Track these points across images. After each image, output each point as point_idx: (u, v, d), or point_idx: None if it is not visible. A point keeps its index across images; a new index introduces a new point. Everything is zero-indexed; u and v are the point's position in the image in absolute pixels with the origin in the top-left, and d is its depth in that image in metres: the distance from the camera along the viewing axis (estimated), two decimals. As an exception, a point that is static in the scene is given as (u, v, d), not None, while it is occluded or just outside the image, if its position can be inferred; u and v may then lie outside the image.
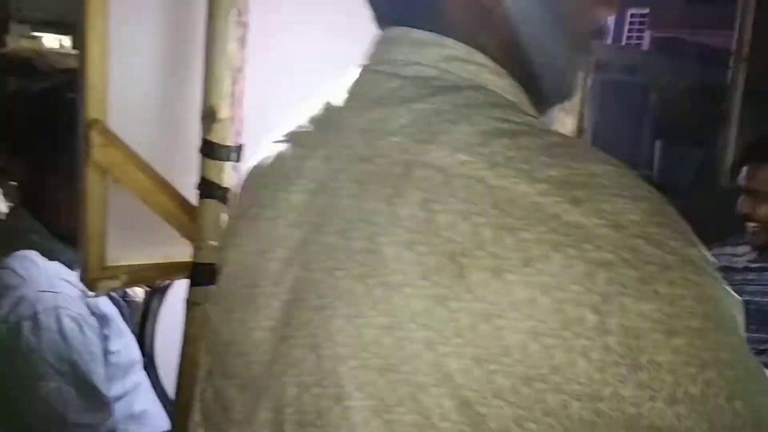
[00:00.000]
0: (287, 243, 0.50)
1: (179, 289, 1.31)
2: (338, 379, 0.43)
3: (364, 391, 0.42)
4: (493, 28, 0.49)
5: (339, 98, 0.53)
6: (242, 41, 0.88)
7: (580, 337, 0.37)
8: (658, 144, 2.57)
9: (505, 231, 0.39)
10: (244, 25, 0.87)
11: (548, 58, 0.51)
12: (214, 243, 0.90)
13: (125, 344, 1.21)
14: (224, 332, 0.54)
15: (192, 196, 0.92)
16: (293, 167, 0.52)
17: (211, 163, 0.89)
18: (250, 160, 0.62)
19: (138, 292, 1.45)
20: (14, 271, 1.11)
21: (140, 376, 1.25)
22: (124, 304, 1.30)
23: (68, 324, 1.07)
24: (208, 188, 0.90)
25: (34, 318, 1.05)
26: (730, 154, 2.48)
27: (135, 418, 1.20)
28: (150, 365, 1.33)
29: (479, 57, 0.48)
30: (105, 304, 1.18)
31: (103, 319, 1.15)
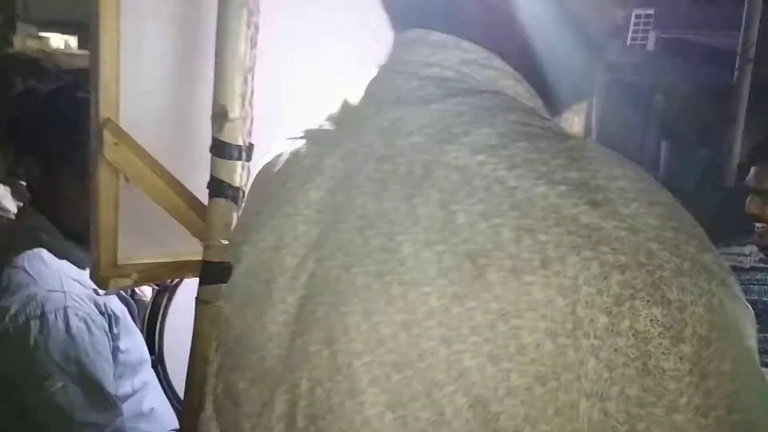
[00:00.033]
0: (304, 239, 0.50)
1: (188, 287, 1.32)
2: (352, 374, 0.44)
3: (378, 386, 0.43)
4: (510, 30, 0.49)
5: (357, 98, 0.53)
6: (253, 41, 0.88)
7: (591, 337, 0.38)
8: (664, 144, 2.56)
9: (524, 232, 0.40)
10: (254, 26, 0.88)
11: (565, 59, 0.51)
12: (224, 242, 0.90)
13: (134, 343, 1.22)
14: (237, 326, 0.54)
15: (202, 195, 0.92)
16: (311, 165, 0.52)
17: (222, 162, 0.90)
18: (262, 157, 0.63)
19: (146, 291, 1.45)
20: (24, 271, 1.12)
21: (149, 374, 1.26)
22: (133, 302, 1.31)
23: (76, 323, 1.08)
24: (219, 187, 0.90)
25: (42, 317, 1.06)
26: (736, 155, 2.47)
27: (144, 416, 1.20)
28: (159, 363, 1.33)
29: (497, 62, 0.49)
30: (114, 303, 1.19)
31: (112, 318, 1.16)
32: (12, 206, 1.59)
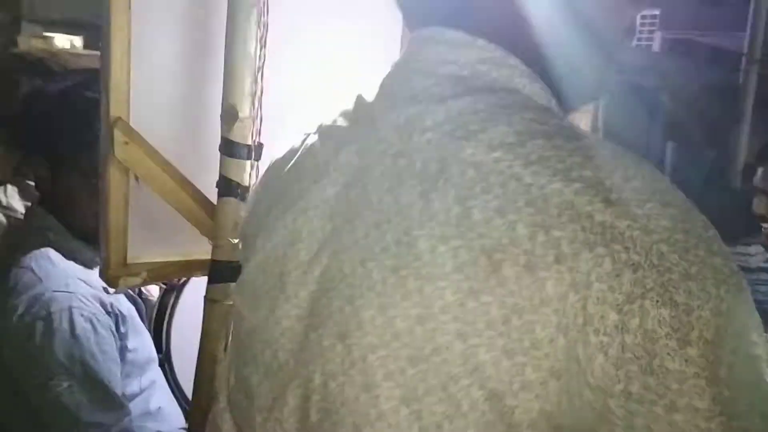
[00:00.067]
0: (318, 234, 0.51)
1: (195, 286, 1.32)
2: (367, 368, 0.44)
3: (393, 380, 0.43)
4: (524, 30, 0.49)
5: (372, 95, 0.54)
6: (263, 41, 0.89)
7: (600, 333, 0.39)
8: (669, 145, 2.56)
9: (539, 228, 0.40)
10: (264, 26, 0.88)
11: (577, 59, 0.51)
12: (233, 241, 0.91)
13: (142, 342, 1.22)
14: (250, 320, 0.55)
15: (212, 194, 0.93)
16: (326, 161, 0.53)
17: (231, 161, 0.90)
18: (271, 156, 0.63)
19: (153, 291, 1.46)
20: (31, 271, 1.12)
21: (156, 373, 1.26)
22: (140, 301, 1.31)
23: (81, 324, 1.08)
24: (228, 186, 0.91)
25: (48, 318, 1.06)
26: (742, 156, 2.47)
27: (151, 415, 1.21)
28: (166, 362, 1.34)
29: (513, 60, 0.49)
30: (122, 303, 1.19)
31: (119, 317, 1.16)
32: (20, 206, 1.60)
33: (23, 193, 1.61)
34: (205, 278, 0.96)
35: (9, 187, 1.63)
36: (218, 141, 0.90)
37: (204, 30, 0.91)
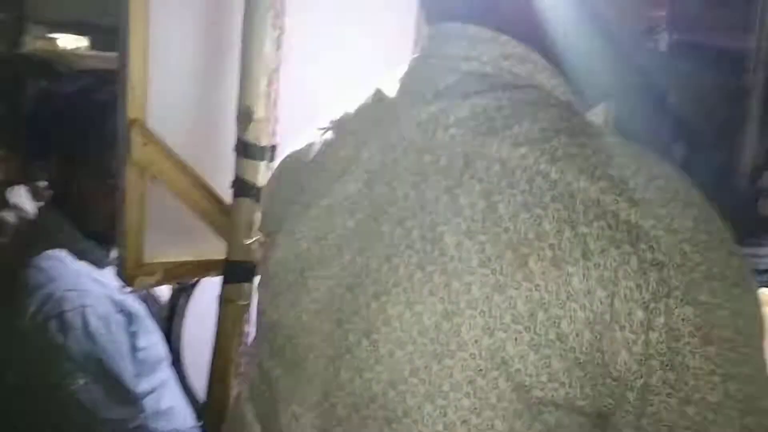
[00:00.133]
0: (339, 230, 0.51)
1: (206, 286, 1.32)
2: (394, 363, 0.44)
3: (417, 376, 0.44)
4: (543, 27, 0.49)
5: (392, 90, 0.54)
6: (278, 42, 0.89)
7: (626, 330, 0.40)
8: (676, 146, 2.56)
9: (565, 223, 0.41)
10: (280, 27, 0.89)
11: (595, 56, 0.52)
12: (247, 241, 0.91)
13: (153, 341, 1.23)
14: (272, 315, 0.55)
15: (227, 194, 0.93)
16: (347, 157, 0.53)
17: (246, 162, 0.91)
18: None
19: (163, 290, 1.46)
20: (43, 271, 1.12)
21: (167, 372, 1.26)
22: (151, 301, 1.32)
23: (94, 322, 1.09)
24: (243, 187, 0.91)
25: (61, 317, 1.07)
26: (749, 157, 2.47)
27: (162, 414, 1.21)
28: (177, 362, 1.34)
29: (535, 56, 0.49)
30: (133, 302, 1.19)
31: (131, 317, 1.17)
32: (30, 206, 1.60)
33: (33, 194, 1.62)
34: (216, 278, 0.96)
35: (18, 187, 1.64)
36: (233, 142, 0.91)
37: (220, 32, 0.92)
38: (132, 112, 0.87)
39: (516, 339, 0.41)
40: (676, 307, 0.39)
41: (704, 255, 0.40)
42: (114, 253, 1.22)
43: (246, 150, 0.90)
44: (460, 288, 0.42)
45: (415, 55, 0.55)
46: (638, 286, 0.39)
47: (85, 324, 1.07)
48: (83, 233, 1.20)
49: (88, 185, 1.20)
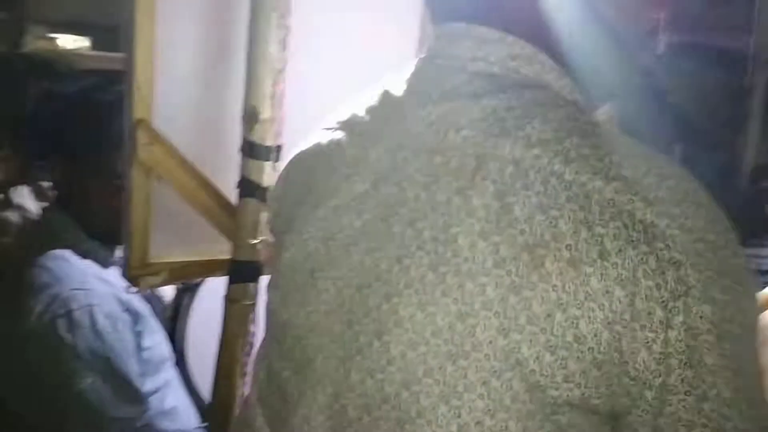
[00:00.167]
0: (347, 230, 0.51)
1: (210, 286, 1.33)
2: (407, 364, 0.44)
3: (432, 377, 0.44)
4: (549, 27, 0.50)
5: (399, 90, 0.54)
6: (284, 43, 0.89)
7: (647, 329, 0.40)
8: (677, 147, 2.57)
9: (581, 224, 0.41)
10: (285, 27, 0.89)
11: (598, 60, 0.52)
12: (253, 241, 0.92)
13: (157, 341, 1.23)
14: (282, 316, 0.55)
15: (232, 194, 0.93)
16: (355, 157, 0.53)
17: (252, 162, 0.91)
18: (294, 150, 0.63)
19: (166, 290, 1.46)
20: (49, 270, 1.13)
21: (171, 372, 1.26)
22: (155, 301, 1.32)
23: (102, 321, 1.09)
24: (248, 187, 0.91)
25: (69, 315, 1.07)
26: (750, 157, 2.48)
27: (166, 413, 1.21)
28: (181, 362, 1.34)
29: (542, 56, 0.50)
30: (137, 302, 1.19)
31: (136, 316, 1.17)
32: (33, 206, 1.60)
33: (36, 194, 1.62)
34: (220, 278, 0.97)
35: (21, 187, 1.63)
36: (239, 142, 0.91)
37: (226, 32, 0.92)
38: (138, 112, 0.87)
39: (531, 340, 0.41)
40: (694, 306, 0.40)
41: (715, 253, 0.41)
42: (118, 253, 1.22)
43: (252, 150, 0.90)
44: (475, 289, 0.42)
45: (422, 56, 0.55)
46: (657, 285, 0.40)
47: (93, 323, 1.08)
48: (87, 233, 1.20)
49: (91, 185, 1.20)
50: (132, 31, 0.85)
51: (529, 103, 0.47)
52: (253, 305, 0.93)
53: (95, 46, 3.11)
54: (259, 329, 0.93)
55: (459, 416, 0.43)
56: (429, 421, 0.44)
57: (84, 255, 1.17)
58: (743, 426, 0.41)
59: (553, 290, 0.41)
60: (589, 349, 0.40)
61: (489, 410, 0.42)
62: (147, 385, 1.17)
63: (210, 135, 0.94)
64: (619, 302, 0.40)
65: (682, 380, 0.40)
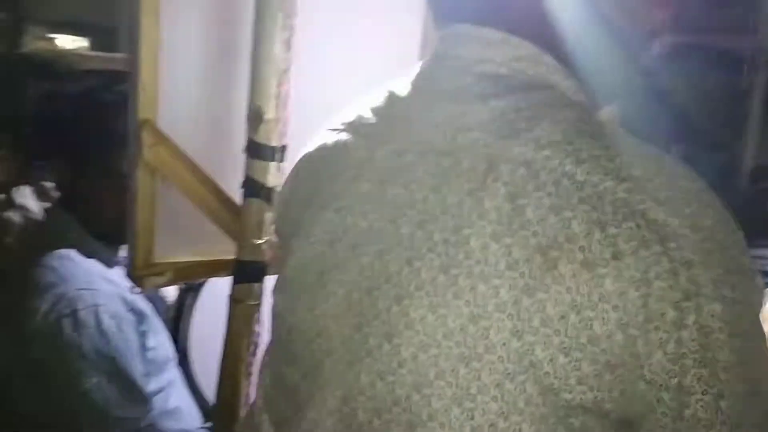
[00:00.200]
0: (354, 232, 0.51)
1: (213, 286, 1.33)
2: (418, 367, 0.44)
3: (444, 379, 0.44)
4: (553, 28, 0.50)
5: (405, 92, 0.54)
6: (288, 43, 0.89)
7: (660, 330, 0.40)
8: (676, 148, 2.57)
9: (594, 225, 0.41)
10: (290, 28, 0.89)
11: (602, 60, 0.52)
12: (257, 241, 0.92)
13: (161, 341, 1.23)
14: (289, 319, 0.55)
15: (237, 195, 0.94)
16: (361, 158, 0.53)
17: (256, 163, 0.91)
18: (296, 158, 0.63)
19: (169, 290, 1.47)
20: (54, 270, 1.13)
21: (174, 372, 1.27)
22: (158, 301, 1.32)
23: (107, 321, 1.09)
24: (253, 187, 0.91)
25: (74, 315, 1.07)
26: (750, 158, 2.49)
27: (169, 413, 1.21)
28: (183, 362, 1.34)
29: (547, 58, 0.50)
30: (142, 302, 1.20)
31: (140, 316, 1.17)
32: (35, 206, 1.61)
33: (38, 194, 1.62)
34: (223, 278, 0.97)
35: (24, 187, 1.64)
36: (244, 142, 0.91)
37: (231, 33, 0.92)
38: (143, 112, 0.87)
39: (545, 342, 0.41)
40: (706, 305, 0.40)
41: (724, 252, 0.41)
42: (122, 253, 1.22)
43: (256, 150, 0.90)
44: (487, 291, 0.42)
45: (427, 57, 0.55)
46: (670, 286, 0.40)
47: (98, 323, 1.08)
48: (92, 233, 1.20)
49: (95, 185, 1.20)
50: (137, 31, 0.85)
51: (538, 104, 0.47)
52: (258, 305, 0.94)
53: (93, 46, 3.12)
54: (264, 329, 0.93)
55: (472, 418, 0.43)
56: (441, 424, 0.44)
57: (88, 255, 1.18)
58: (759, 420, 0.41)
59: (567, 292, 0.41)
60: (602, 350, 0.40)
61: (502, 413, 0.42)
62: (151, 385, 1.17)
63: (215, 135, 0.95)
64: (633, 304, 0.40)
65: (698, 379, 0.40)
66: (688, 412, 0.40)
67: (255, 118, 0.90)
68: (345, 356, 0.49)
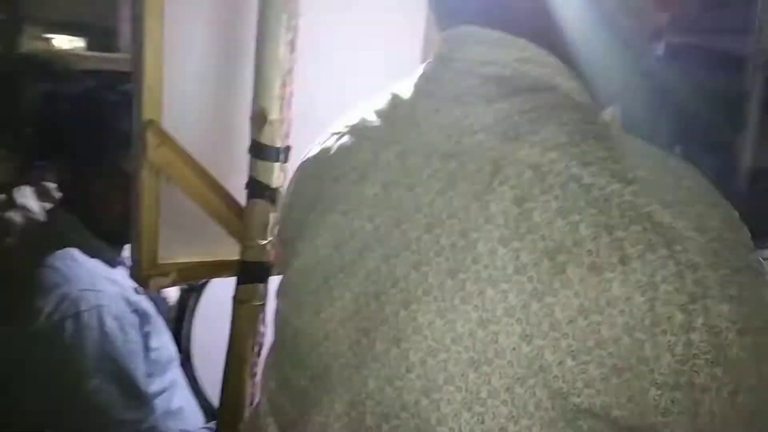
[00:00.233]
0: (360, 236, 0.50)
1: (215, 287, 1.33)
2: (427, 371, 0.44)
3: (453, 384, 0.43)
4: (557, 29, 0.49)
5: (409, 94, 0.53)
6: (292, 44, 0.90)
7: (668, 333, 0.40)
8: (676, 149, 2.58)
9: (602, 229, 0.41)
10: (294, 29, 0.89)
11: (605, 62, 0.52)
12: (261, 242, 0.92)
13: (165, 341, 1.23)
14: (294, 323, 0.55)
15: (241, 195, 0.94)
16: (365, 161, 0.52)
17: (260, 163, 0.91)
18: (300, 159, 0.63)
19: (170, 291, 1.46)
20: (57, 270, 1.13)
21: (177, 373, 1.27)
22: (160, 301, 1.32)
23: (110, 323, 1.09)
24: (257, 188, 0.91)
25: (77, 316, 1.07)
26: (748, 160, 2.49)
27: (172, 414, 1.21)
28: (186, 362, 1.34)
29: (551, 59, 0.49)
30: (145, 302, 1.20)
31: (144, 317, 1.17)
32: (36, 206, 1.60)
33: (39, 194, 1.62)
34: (226, 279, 0.97)
35: (25, 187, 1.63)
36: (248, 143, 0.91)
37: (234, 33, 0.92)
38: (148, 113, 0.87)
39: (554, 346, 0.41)
40: (713, 306, 0.40)
41: (731, 251, 0.41)
42: (125, 253, 1.22)
43: (260, 151, 0.91)
44: (496, 296, 0.42)
45: (430, 59, 0.54)
46: (677, 289, 0.40)
47: (101, 324, 1.08)
48: (94, 233, 1.20)
49: (97, 185, 1.20)
50: (141, 32, 0.85)
51: (543, 106, 0.47)
52: (263, 305, 0.94)
53: (90, 46, 3.11)
54: (269, 330, 0.93)
55: (482, 422, 0.43)
56: (451, 429, 0.43)
57: (91, 254, 1.18)
58: None
59: (575, 296, 0.41)
60: (609, 354, 0.40)
61: (512, 417, 0.42)
62: (154, 386, 1.17)
63: (219, 136, 0.95)
64: (639, 308, 0.40)
65: (712, 378, 0.40)
66: (703, 409, 0.41)
67: (259, 119, 0.90)
68: (352, 360, 0.49)
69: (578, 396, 0.41)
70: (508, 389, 0.42)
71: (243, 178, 0.92)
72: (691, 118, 2.45)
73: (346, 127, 0.57)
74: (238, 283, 0.93)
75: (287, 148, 0.92)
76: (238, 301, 0.93)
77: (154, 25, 0.85)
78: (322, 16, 0.94)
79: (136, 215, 0.90)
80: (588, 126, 0.46)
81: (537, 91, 0.48)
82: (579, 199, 0.42)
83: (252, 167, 0.91)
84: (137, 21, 0.86)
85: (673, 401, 0.41)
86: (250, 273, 0.93)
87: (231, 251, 0.95)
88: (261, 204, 0.92)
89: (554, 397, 0.41)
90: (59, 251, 1.15)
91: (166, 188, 0.91)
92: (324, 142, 0.59)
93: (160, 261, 0.92)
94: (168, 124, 0.89)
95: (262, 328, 0.94)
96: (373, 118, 0.55)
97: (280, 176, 0.92)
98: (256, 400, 0.63)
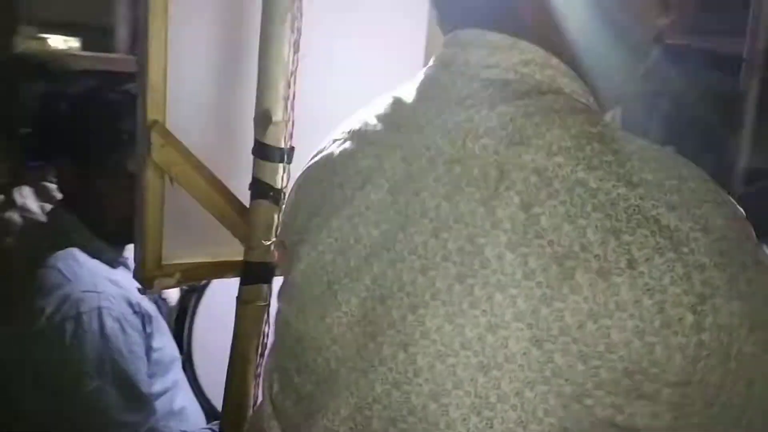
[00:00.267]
0: (365, 241, 0.50)
1: (216, 288, 1.33)
2: (435, 376, 0.44)
3: (462, 388, 0.44)
4: (561, 32, 0.50)
5: (411, 98, 0.53)
6: (296, 46, 0.90)
7: (679, 335, 0.40)
8: (673, 149, 2.59)
9: (609, 233, 0.41)
10: (298, 30, 0.89)
11: (608, 64, 0.52)
12: (265, 243, 0.92)
13: (166, 342, 1.23)
14: (298, 328, 0.55)
15: (245, 196, 0.94)
16: (370, 166, 0.52)
17: (265, 164, 0.91)
18: (303, 159, 0.63)
19: (171, 292, 1.46)
20: (58, 271, 1.13)
21: (179, 373, 1.27)
22: (161, 302, 1.32)
23: (110, 324, 1.09)
24: (261, 189, 0.91)
25: (78, 318, 1.07)
26: (743, 161, 2.51)
27: (174, 414, 1.21)
28: (187, 363, 1.34)
29: (555, 61, 0.50)
30: (147, 303, 1.20)
31: (146, 317, 1.17)
32: (35, 207, 1.60)
33: (39, 195, 1.62)
34: (227, 280, 0.97)
35: (25, 188, 1.63)
36: (251, 144, 0.91)
37: (239, 34, 0.93)
38: (152, 113, 0.87)
39: (564, 350, 0.41)
40: (723, 305, 0.40)
41: (738, 248, 0.42)
42: (126, 253, 1.22)
43: (264, 152, 0.91)
44: (504, 301, 0.42)
45: (432, 63, 0.54)
46: (685, 291, 0.40)
47: (101, 326, 1.08)
48: (95, 233, 1.20)
49: (99, 185, 1.20)
50: (145, 33, 0.85)
51: (547, 110, 0.47)
52: (267, 306, 0.94)
53: (85, 46, 3.10)
54: (272, 331, 0.93)
55: (491, 427, 0.43)
56: None
57: (92, 255, 1.18)
58: None
59: (584, 301, 0.41)
60: (620, 357, 0.41)
61: (521, 421, 0.42)
62: (157, 386, 1.18)
63: (223, 137, 0.95)
64: (648, 311, 0.40)
65: (726, 374, 0.41)
66: (719, 401, 0.41)
67: (263, 119, 0.90)
68: (359, 364, 0.49)
69: (590, 398, 0.41)
70: (517, 393, 0.42)
71: (247, 179, 0.92)
72: (686, 119, 2.47)
73: (348, 132, 0.57)
74: (242, 283, 0.93)
75: (291, 149, 0.92)
76: (242, 301, 0.93)
77: (159, 25, 0.85)
78: (325, 17, 0.94)
79: (140, 215, 0.90)
80: (592, 129, 0.46)
81: (541, 94, 0.48)
82: (586, 203, 0.42)
83: (256, 168, 0.91)
84: (142, 22, 0.86)
85: (684, 396, 0.41)
86: (254, 274, 0.93)
87: (235, 252, 0.95)
88: (265, 205, 0.92)
89: (563, 401, 0.41)
90: (60, 252, 1.15)
91: (169, 189, 0.91)
92: (326, 148, 0.59)
93: (164, 261, 0.92)
94: (172, 124, 0.89)
95: (266, 329, 0.94)
96: (375, 123, 0.55)
97: (284, 177, 0.92)
98: (259, 402, 0.62)
